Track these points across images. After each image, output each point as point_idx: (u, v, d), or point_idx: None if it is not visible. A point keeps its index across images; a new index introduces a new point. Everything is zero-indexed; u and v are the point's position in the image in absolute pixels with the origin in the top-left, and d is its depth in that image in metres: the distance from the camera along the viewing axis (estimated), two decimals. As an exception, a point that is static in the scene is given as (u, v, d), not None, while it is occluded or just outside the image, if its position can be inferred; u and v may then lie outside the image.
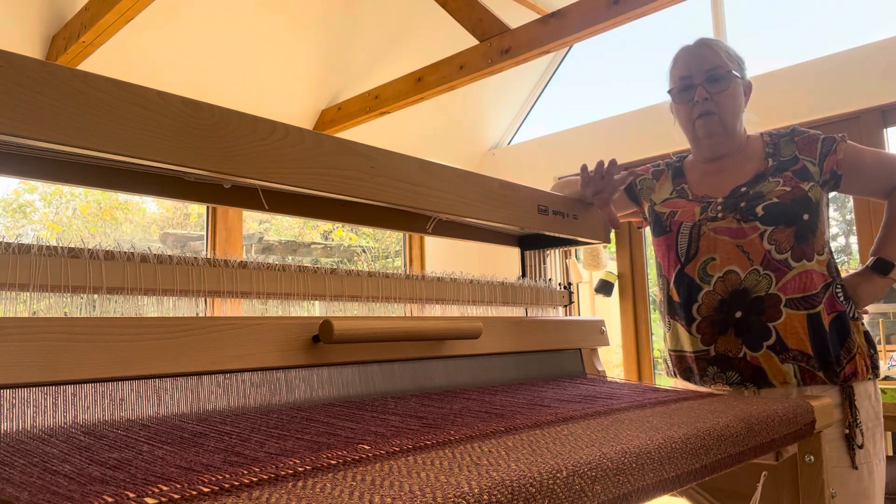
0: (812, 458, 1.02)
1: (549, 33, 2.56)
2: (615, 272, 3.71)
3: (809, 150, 1.35)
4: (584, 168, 1.37)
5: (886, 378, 2.45)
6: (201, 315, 0.84)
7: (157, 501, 0.43)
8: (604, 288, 3.71)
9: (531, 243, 1.47)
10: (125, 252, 0.78)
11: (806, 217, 1.29)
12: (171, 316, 0.79)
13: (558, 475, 0.53)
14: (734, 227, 1.31)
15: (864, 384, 1.28)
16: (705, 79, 1.37)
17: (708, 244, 1.33)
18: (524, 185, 1.24)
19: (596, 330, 1.40)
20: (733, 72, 1.36)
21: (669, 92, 1.44)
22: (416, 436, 0.67)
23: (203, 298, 0.85)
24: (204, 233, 3.31)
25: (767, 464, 1.04)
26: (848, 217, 3.78)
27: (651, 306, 3.58)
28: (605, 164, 1.34)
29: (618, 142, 3.67)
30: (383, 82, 3.35)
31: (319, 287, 0.97)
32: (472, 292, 1.21)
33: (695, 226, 1.36)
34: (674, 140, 1.52)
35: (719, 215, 1.34)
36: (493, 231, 1.39)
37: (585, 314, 3.44)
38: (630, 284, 3.63)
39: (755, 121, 1.47)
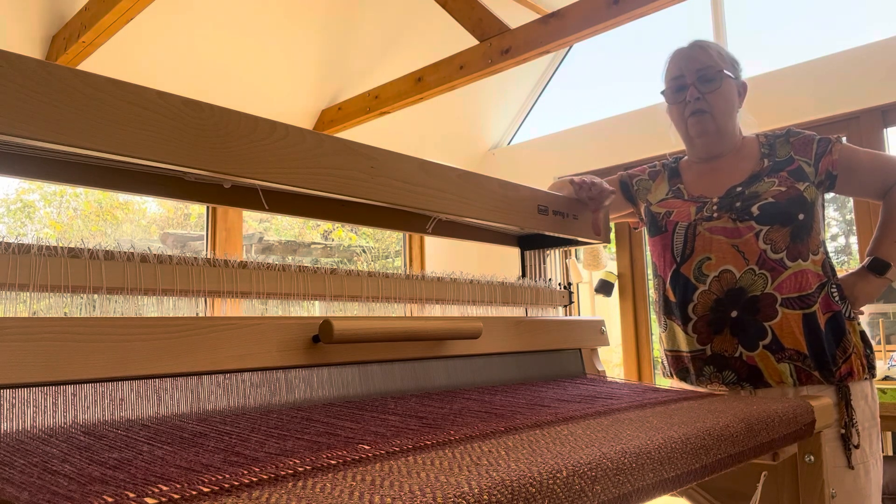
0: (812, 458, 1.02)
1: (549, 33, 2.56)
2: (615, 272, 3.71)
3: (805, 151, 1.35)
4: (572, 182, 1.36)
5: (886, 378, 2.45)
6: (201, 315, 0.84)
7: (157, 501, 0.43)
8: (604, 288, 3.71)
9: (531, 243, 1.47)
10: (125, 252, 0.78)
11: (801, 217, 1.29)
12: (171, 316, 0.79)
13: (558, 475, 0.53)
14: (729, 226, 1.31)
15: (860, 384, 1.28)
16: (697, 78, 1.37)
17: (703, 244, 1.33)
18: (524, 185, 1.24)
19: (596, 330, 1.40)
20: (725, 71, 1.37)
21: (663, 93, 1.45)
22: (416, 436, 0.67)
23: (203, 298, 0.85)
24: (204, 233, 3.31)
25: (767, 464, 1.04)
26: (848, 217, 3.78)
27: (651, 306, 3.59)
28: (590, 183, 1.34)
29: (617, 142, 3.67)
30: (383, 82, 3.35)
31: (319, 287, 0.97)
32: (472, 292, 1.22)
33: (690, 225, 1.36)
34: (672, 140, 1.52)
35: (714, 215, 1.34)
36: (493, 231, 1.39)
37: (585, 314, 3.44)
38: (630, 284, 3.63)
39: (752, 122, 1.47)
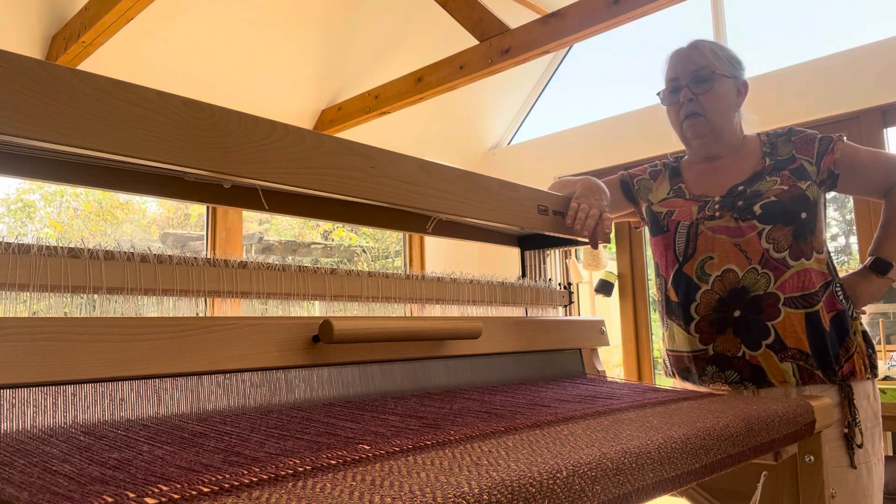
0: (812, 458, 1.02)
1: (549, 33, 2.56)
2: (615, 272, 3.71)
3: (807, 150, 1.35)
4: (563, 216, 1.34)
5: (886, 378, 2.45)
6: (201, 315, 0.84)
7: (157, 501, 0.43)
8: (604, 288, 3.71)
9: (531, 243, 1.47)
10: (125, 252, 0.78)
11: (804, 216, 1.29)
12: (171, 316, 0.79)
13: (558, 475, 0.53)
14: (732, 226, 1.31)
15: (862, 383, 1.28)
16: (691, 80, 1.37)
17: (706, 243, 1.33)
18: (524, 185, 1.24)
19: (596, 330, 1.40)
20: (718, 72, 1.36)
21: (659, 94, 1.44)
22: (416, 436, 0.67)
23: (203, 298, 0.85)
24: (204, 233, 3.31)
25: (767, 464, 1.04)
26: (848, 217, 3.78)
27: (651, 306, 3.59)
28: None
29: (617, 142, 3.67)
30: (383, 82, 3.35)
31: (319, 287, 0.97)
32: (472, 292, 1.21)
33: (692, 225, 1.36)
34: (672, 140, 1.52)
35: (717, 214, 1.34)
36: (493, 231, 1.39)
37: (585, 314, 3.44)
38: (630, 284, 3.63)
39: (755, 120, 1.47)
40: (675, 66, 1.41)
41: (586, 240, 1.36)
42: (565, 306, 1.45)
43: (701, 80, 1.37)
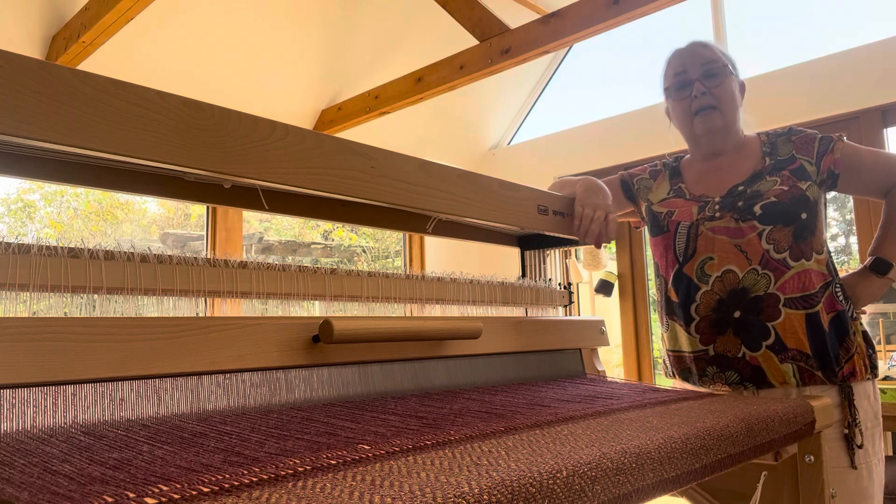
0: (812, 458, 1.02)
1: (549, 33, 2.56)
2: (615, 272, 3.71)
3: (807, 150, 1.35)
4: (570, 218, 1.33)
5: (886, 378, 2.45)
6: (201, 315, 0.84)
7: (157, 501, 0.43)
8: (604, 288, 3.71)
9: (531, 243, 1.47)
10: (125, 252, 0.78)
11: (804, 216, 1.29)
12: (171, 316, 0.79)
13: (558, 475, 0.53)
14: (732, 226, 1.31)
15: (862, 384, 1.28)
16: (701, 73, 1.37)
17: (706, 244, 1.33)
18: (524, 185, 1.24)
19: (596, 330, 1.40)
20: (728, 66, 1.37)
21: (666, 90, 1.44)
22: (416, 436, 0.67)
23: (203, 298, 0.85)
24: (204, 233, 3.31)
25: (767, 464, 1.04)
26: (848, 217, 3.78)
27: (651, 306, 3.59)
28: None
29: (617, 142, 3.67)
30: (383, 82, 3.35)
31: (319, 287, 0.97)
32: (472, 292, 1.21)
33: (692, 225, 1.36)
34: (672, 140, 1.52)
35: (717, 215, 1.34)
36: (493, 231, 1.39)
37: (585, 314, 3.44)
38: (630, 284, 3.63)
39: (751, 122, 1.47)
40: (681, 60, 1.40)
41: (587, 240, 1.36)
42: (565, 306, 1.45)
43: (712, 73, 1.37)
